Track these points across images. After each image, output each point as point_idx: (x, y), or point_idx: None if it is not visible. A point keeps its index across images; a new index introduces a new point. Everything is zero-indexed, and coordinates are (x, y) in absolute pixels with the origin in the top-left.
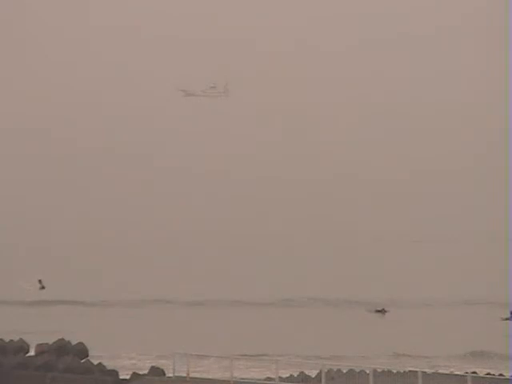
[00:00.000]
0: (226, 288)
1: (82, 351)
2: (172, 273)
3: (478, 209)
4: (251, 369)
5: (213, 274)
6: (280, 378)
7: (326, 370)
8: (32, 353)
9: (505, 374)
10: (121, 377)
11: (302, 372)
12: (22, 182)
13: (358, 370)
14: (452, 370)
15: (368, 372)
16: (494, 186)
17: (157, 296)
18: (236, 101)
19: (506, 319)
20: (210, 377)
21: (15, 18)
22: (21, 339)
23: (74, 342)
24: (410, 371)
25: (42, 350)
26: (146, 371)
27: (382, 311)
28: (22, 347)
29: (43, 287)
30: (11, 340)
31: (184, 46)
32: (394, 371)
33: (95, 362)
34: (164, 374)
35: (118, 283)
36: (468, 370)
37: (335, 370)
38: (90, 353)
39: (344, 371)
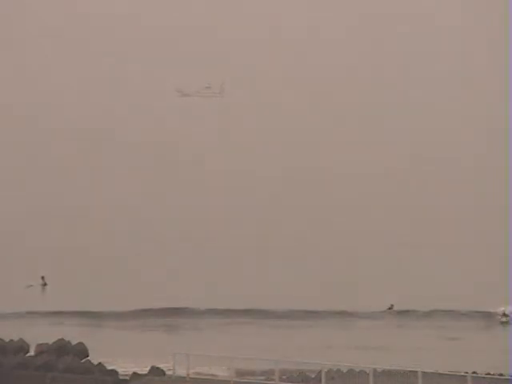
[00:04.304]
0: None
1: (81, 351)
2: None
3: (478, 209)
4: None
5: (213, 278)
6: (280, 378)
7: (326, 370)
8: (32, 353)
9: (504, 373)
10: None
11: (302, 372)
12: (22, 181)
13: (357, 369)
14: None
15: (368, 372)
16: (494, 186)
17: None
18: (232, 101)
19: (504, 315)
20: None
21: (15, 18)
22: (21, 339)
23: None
24: (410, 371)
25: (42, 350)
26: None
27: (391, 308)
28: (22, 347)
29: (45, 284)
30: (11, 340)
31: (180, 45)
32: (394, 371)
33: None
34: (164, 374)
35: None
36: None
37: (335, 369)
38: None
39: (344, 371)
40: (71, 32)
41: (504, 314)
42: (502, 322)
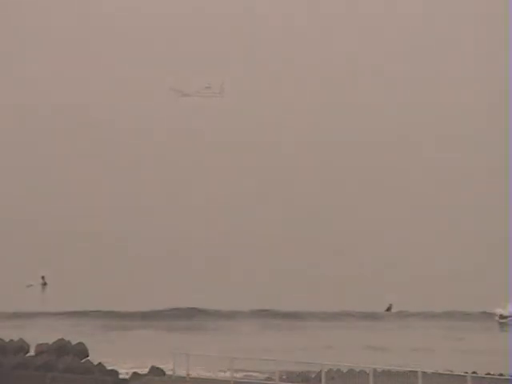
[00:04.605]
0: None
1: (81, 351)
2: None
3: (477, 210)
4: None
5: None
6: (280, 377)
7: (326, 370)
8: (32, 353)
9: (505, 373)
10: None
11: (302, 372)
12: (22, 181)
13: (357, 369)
14: (452, 369)
15: (368, 372)
16: (494, 186)
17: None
18: (232, 101)
19: (501, 317)
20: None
21: (14, 17)
22: (21, 339)
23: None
24: (410, 371)
25: (42, 350)
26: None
27: (389, 308)
28: (22, 347)
29: (45, 284)
30: (11, 340)
31: (181, 45)
32: (394, 371)
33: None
34: (164, 374)
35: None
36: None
37: (335, 369)
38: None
39: (344, 371)
40: (70, 31)
41: (501, 316)
42: (501, 323)
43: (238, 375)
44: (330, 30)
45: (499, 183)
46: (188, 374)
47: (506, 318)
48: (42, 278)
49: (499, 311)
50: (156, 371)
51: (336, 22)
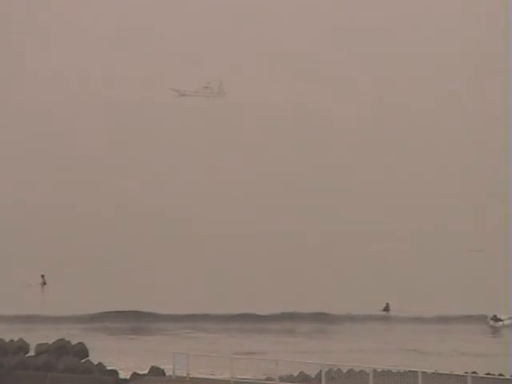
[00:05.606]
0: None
1: (81, 351)
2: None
3: (478, 211)
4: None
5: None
6: (280, 377)
7: (326, 370)
8: (32, 353)
9: (505, 373)
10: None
11: (302, 372)
12: (22, 180)
13: (357, 369)
14: (452, 370)
15: (368, 372)
16: (493, 188)
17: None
18: (231, 101)
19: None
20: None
21: (14, 17)
22: (21, 339)
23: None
24: (410, 371)
25: (42, 350)
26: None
27: (387, 308)
28: (22, 347)
29: (45, 283)
30: (11, 340)
31: (179, 45)
32: (394, 371)
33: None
34: (164, 374)
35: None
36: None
37: (335, 369)
38: None
39: (344, 371)
40: (71, 31)
41: (495, 317)
42: (495, 327)
43: (238, 375)
44: (330, 29)
45: (499, 185)
46: (188, 374)
47: (500, 320)
48: (42, 276)
49: (494, 314)
50: (156, 371)
51: (334, 20)
